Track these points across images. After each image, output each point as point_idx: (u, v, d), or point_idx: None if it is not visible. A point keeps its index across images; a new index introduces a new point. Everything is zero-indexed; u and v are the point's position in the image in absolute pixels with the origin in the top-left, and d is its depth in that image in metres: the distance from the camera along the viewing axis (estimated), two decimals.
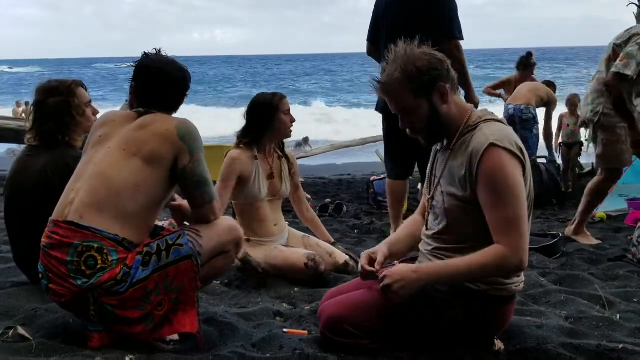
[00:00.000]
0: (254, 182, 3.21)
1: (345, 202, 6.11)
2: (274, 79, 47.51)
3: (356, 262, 3.42)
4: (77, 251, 2.05)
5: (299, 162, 10.32)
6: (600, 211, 5.49)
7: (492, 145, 1.93)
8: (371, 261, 2.17)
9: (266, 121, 3.21)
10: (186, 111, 2.52)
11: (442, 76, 1.99)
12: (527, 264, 1.97)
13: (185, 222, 2.42)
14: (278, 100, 3.23)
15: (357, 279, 2.52)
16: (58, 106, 2.77)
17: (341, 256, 3.36)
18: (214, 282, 2.96)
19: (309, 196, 6.81)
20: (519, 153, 1.96)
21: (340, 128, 19.53)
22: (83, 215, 2.09)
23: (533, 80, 6.90)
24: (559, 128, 7.55)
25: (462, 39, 3.88)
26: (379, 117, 4.19)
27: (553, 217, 5.59)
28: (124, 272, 2.07)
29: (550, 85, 7.23)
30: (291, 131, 3.30)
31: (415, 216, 2.37)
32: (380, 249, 2.21)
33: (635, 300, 2.93)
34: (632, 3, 7.85)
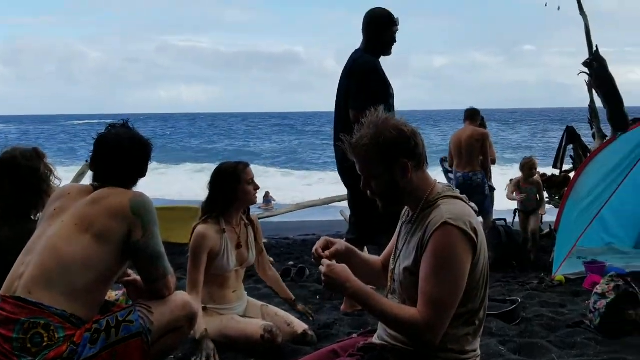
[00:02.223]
0: (223, 255, 3.20)
1: (308, 265, 6.05)
2: (239, 136, 47.80)
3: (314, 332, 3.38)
4: (23, 328, 2.01)
5: (264, 221, 10.27)
6: (559, 274, 5.58)
7: (445, 223, 1.97)
8: (326, 248, 2.17)
9: (230, 191, 3.22)
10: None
11: (407, 152, 2.05)
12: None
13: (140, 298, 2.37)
14: (241, 169, 3.26)
15: (317, 352, 2.48)
16: (38, 173, 2.68)
17: (300, 325, 3.32)
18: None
19: (272, 259, 6.77)
20: (472, 234, 1.99)
21: (305, 187, 19.61)
22: (31, 291, 2.06)
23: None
24: (512, 192, 6.72)
25: (359, 110, 3.63)
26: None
27: (513, 280, 5.64)
28: (70, 349, 2.03)
29: (475, 114, 6.93)
30: (256, 198, 3.33)
31: (377, 258, 2.39)
32: (340, 242, 2.23)
33: None
34: (583, 72, 8.23)
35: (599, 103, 8.35)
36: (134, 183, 2.38)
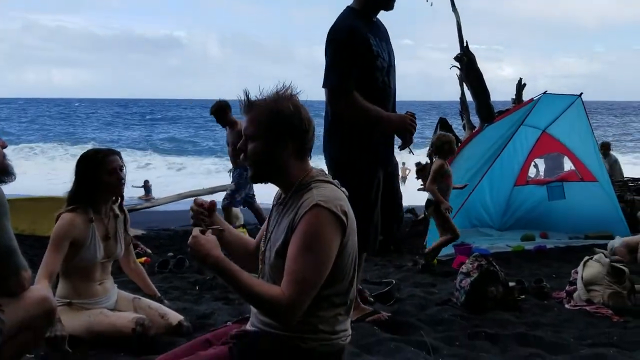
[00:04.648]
0: (89, 246, 3.02)
1: (188, 256, 5.92)
2: (116, 123, 45.60)
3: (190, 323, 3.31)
4: None
5: (144, 212, 9.82)
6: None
7: (316, 205, 1.98)
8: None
9: (92, 180, 3.04)
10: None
11: (295, 133, 2.05)
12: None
13: None
14: (101, 157, 3.07)
15: (189, 343, 2.42)
16: None
17: (175, 317, 3.22)
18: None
19: (149, 250, 6.53)
20: (342, 216, 2.01)
21: (187, 176, 19.15)
22: None
23: None
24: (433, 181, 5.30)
25: (331, 87, 3.34)
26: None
27: (390, 263, 5.87)
28: None
29: None
30: (121, 190, 3.15)
31: (251, 239, 2.37)
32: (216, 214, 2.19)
33: (457, 343, 3.14)
34: (454, 66, 8.71)
35: (469, 96, 8.91)
36: None
